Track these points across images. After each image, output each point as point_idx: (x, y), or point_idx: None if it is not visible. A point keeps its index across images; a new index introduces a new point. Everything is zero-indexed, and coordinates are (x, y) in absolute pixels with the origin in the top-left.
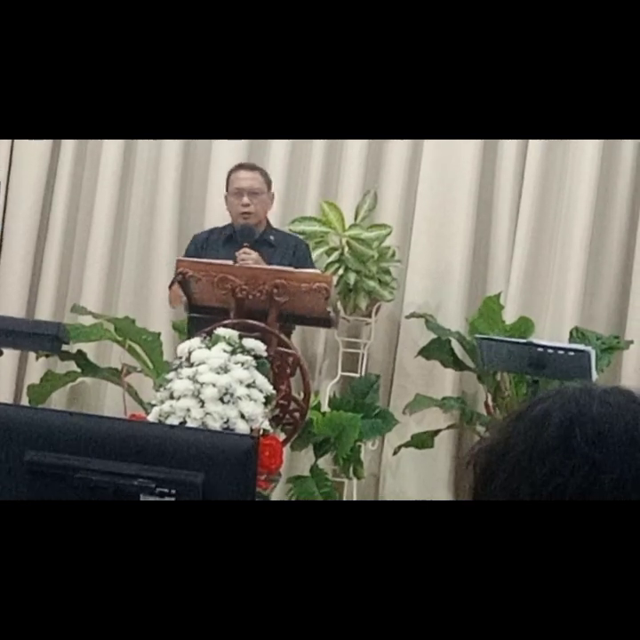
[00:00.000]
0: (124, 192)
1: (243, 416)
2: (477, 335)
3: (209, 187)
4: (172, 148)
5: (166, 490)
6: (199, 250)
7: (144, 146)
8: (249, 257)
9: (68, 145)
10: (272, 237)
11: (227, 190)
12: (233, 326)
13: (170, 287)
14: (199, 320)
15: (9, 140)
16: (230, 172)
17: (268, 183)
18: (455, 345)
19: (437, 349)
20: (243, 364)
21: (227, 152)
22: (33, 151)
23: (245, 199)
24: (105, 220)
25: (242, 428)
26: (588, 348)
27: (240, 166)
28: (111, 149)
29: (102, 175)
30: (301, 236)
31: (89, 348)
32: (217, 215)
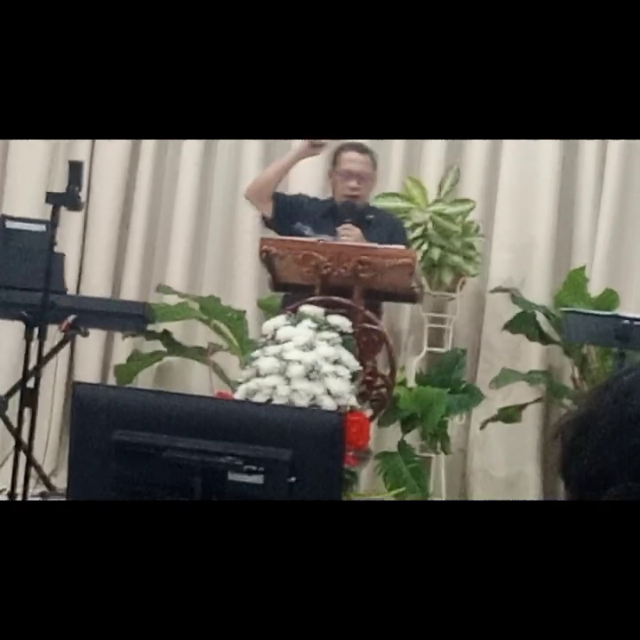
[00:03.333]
0: (208, 170)
1: (329, 393)
2: (563, 308)
3: (290, 179)
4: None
5: (254, 467)
6: (299, 210)
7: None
8: (352, 233)
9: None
10: (371, 216)
11: (333, 167)
12: (318, 303)
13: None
14: (291, 298)
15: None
16: (340, 150)
17: (375, 165)
18: (541, 318)
19: (523, 323)
20: (328, 341)
21: None
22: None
23: (354, 183)
24: (188, 199)
25: (328, 404)
26: None
27: (352, 146)
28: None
29: (185, 153)
30: (382, 210)
31: (175, 328)
32: (300, 190)
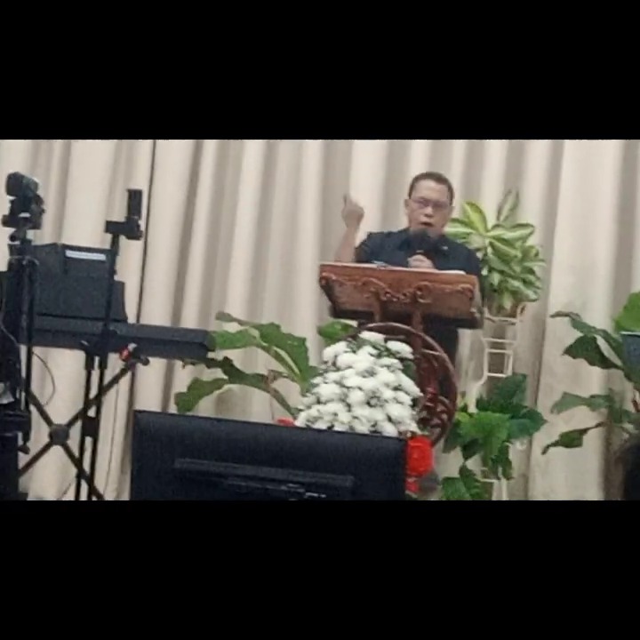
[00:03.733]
0: (266, 198)
1: (390, 419)
2: (623, 332)
3: (351, 186)
4: (312, 153)
5: (316, 494)
6: (375, 248)
7: (285, 150)
8: (422, 264)
9: (209, 151)
10: (445, 247)
11: (409, 196)
12: (378, 329)
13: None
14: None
15: (151, 142)
16: (418, 179)
17: (452, 197)
18: (601, 343)
19: (583, 347)
20: (389, 367)
21: (366, 155)
22: (174, 156)
23: (429, 210)
24: (247, 227)
25: (389, 430)
26: None
27: (429, 175)
28: (252, 154)
29: (243, 182)
30: (455, 240)
31: (235, 355)
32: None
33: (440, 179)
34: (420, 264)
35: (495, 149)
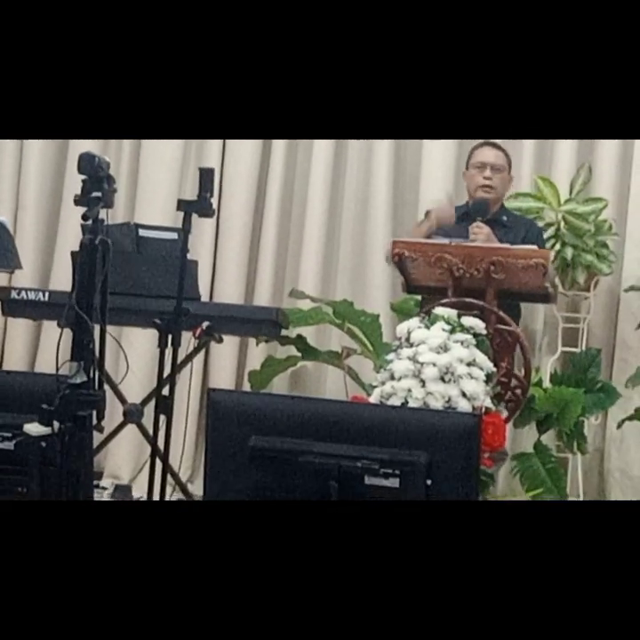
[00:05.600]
0: (338, 173)
1: (464, 395)
2: None
3: (422, 163)
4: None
5: (391, 470)
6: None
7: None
8: (481, 231)
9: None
10: (505, 218)
11: (466, 167)
12: (451, 305)
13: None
14: (428, 300)
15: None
16: (473, 149)
17: (510, 164)
18: None
19: None
20: (462, 343)
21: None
22: (245, 146)
23: (488, 172)
24: (319, 203)
25: (464, 406)
26: None
27: (485, 143)
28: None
29: (315, 159)
30: (518, 213)
31: (308, 332)
32: (429, 193)
33: (496, 145)
34: (480, 231)
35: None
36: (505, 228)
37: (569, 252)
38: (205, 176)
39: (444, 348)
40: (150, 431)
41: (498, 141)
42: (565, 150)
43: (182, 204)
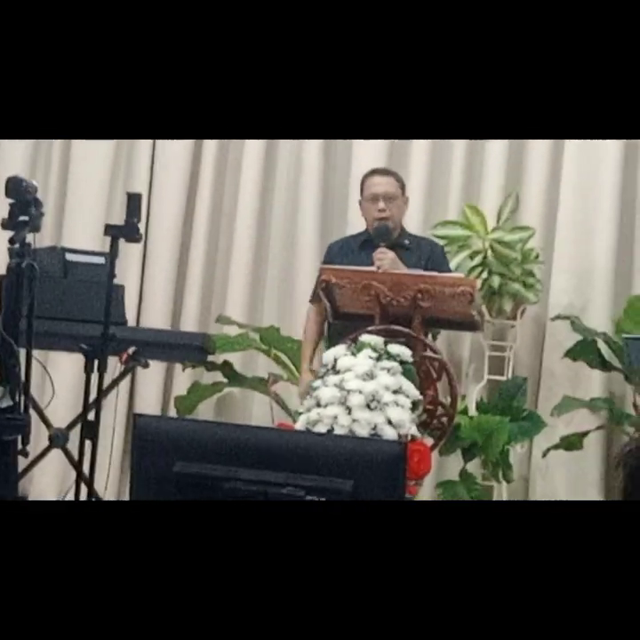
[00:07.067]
0: (266, 201)
1: (390, 422)
2: (624, 335)
3: (350, 191)
4: (312, 154)
5: (316, 497)
6: (334, 258)
7: (285, 154)
8: (385, 256)
9: (209, 155)
10: (407, 241)
11: (361, 196)
12: (377, 332)
13: (311, 302)
14: (337, 327)
15: (150, 145)
16: (364, 178)
17: (402, 187)
18: (601, 345)
19: (584, 350)
20: (389, 370)
21: (367, 158)
22: (174, 160)
23: (381, 204)
24: (247, 229)
25: (389, 434)
26: None
27: (374, 172)
28: (251, 157)
29: (243, 185)
30: (444, 241)
31: (235, 358)
32: (359, 219)
33: (385, 172)
34: (385, 255)
35: (495, 151)
36: (408, 251)
37: (496, 281)
38: (133, 201)
39: (371, 376)
40: (75, 456)
41: (383, 167)
42: (493, 179)
43: (109, 229)
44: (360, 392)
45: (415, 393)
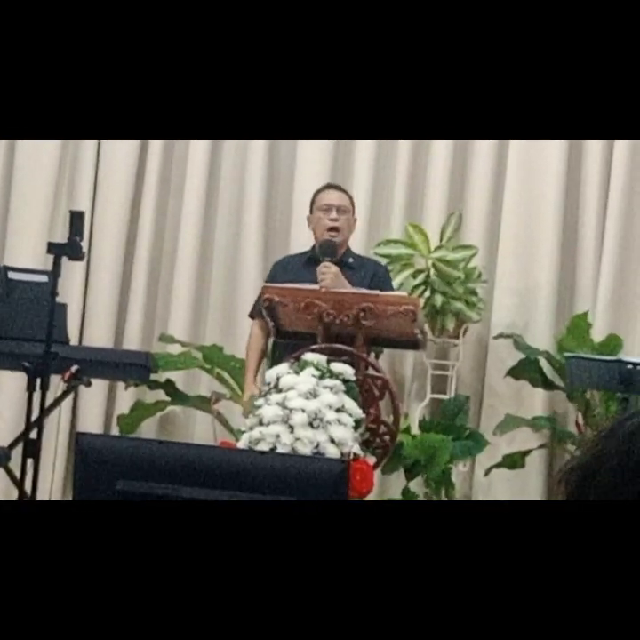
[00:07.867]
0: (209, 220)
1: (333, 441)
2: (566, 354)
3: (293, 208)
4: (254, 173)
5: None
6: (277, 276)
7: (228, 171)
8: (329, 271)
9: (152, 172)
10: (351, 260)
11: (311, 211)
12: (320, 351)
13: (250, 316)
14: (283, 345)
15: (93, 163)
16: (317, 192)
17: (353, 206)
18: (544, 364)
19: (526, 369)
20: (331, 389)
21: (310, 175)
22: (117, 177)
23: (334, 214)
24: (190, 248)
25: (332, 452)
26: None
27: (328, 186)
28: (195, 175)
29: (186, 204)
30: (386, 260)
31: (177, 377)
32: (302, 238)
33: (338, 187)
34: (328, 270)
35: (438, 171)
36: (352, 270)
37: (438, 299)
38: (76, 219)
39: (313, 394)
40: (17, 475)
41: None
42: (436, 198)
43: (52, 248)
44: (303, 410)
45: (358, 411)
